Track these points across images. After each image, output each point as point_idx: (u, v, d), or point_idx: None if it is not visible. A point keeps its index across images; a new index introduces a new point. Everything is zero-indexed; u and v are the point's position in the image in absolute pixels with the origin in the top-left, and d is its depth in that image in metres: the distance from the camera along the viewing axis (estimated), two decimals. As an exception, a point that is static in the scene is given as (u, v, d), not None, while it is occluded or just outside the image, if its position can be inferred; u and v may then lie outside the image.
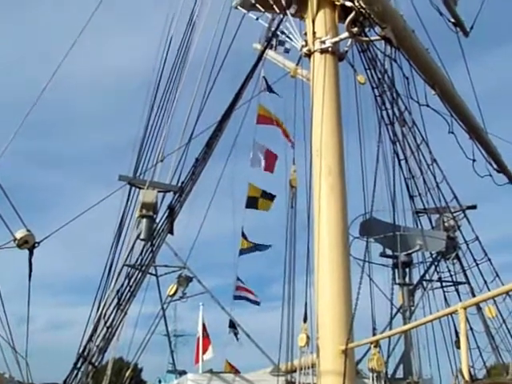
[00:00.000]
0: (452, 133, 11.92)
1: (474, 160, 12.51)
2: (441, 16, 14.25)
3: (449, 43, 14.55)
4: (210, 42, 11.25)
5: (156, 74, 11.44)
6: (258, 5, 11.11)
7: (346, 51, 10.63)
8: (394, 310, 11.04)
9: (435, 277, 13.16)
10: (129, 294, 9.43)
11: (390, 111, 10.86)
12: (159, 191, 10.33)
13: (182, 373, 14.03)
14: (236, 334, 13.92)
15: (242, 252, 14.37)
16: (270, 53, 11.33)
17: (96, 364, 8.85)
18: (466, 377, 6.12)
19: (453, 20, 14.64)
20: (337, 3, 10.54)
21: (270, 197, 13.44)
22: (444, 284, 13.07)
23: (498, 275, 12.84)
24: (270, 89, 12.02)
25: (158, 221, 10.05)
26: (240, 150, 13.08)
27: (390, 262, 12.61)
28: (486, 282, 12.73)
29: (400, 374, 11.92)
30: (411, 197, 12.09)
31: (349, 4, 10.32)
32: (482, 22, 15.01)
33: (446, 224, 12.98)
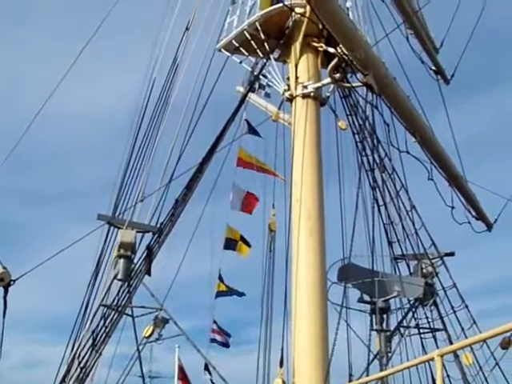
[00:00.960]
0: (431, 180, 12.01)
1: (452, 207, 12.59)
2: (422, 64, 14.49)
3: (430, 90, 14.77)
4: (192, 83, 11.30)
5: (138, 114, 11.45)
6: (241, 48, 11.21)
7: (328, 97, 10.74)
8: (371, 356, 10.98)
9: (413, 323, 13.10)
10: (104, 334, 9.33)
11: (370, 157, 10.91)
12: (138, 231, 10.27)
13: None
14: (211, 380, 13.79)
15: (219, 295, 14.28)
16: (252, 96, 11.39)
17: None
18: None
19: (434, 68, 14.90)
20: (320, 49, 10.68)
21: (247, 244, 13.41)
22: (421, 330, 12.99)
23: (475, 322, 12.81)
24: (252, 131, 12.04)
25: (135, 261, 9.99)
26: (220, 191, 13.07)
27: (367, 307, 12.55)
28: (463, 329, 12.68)
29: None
30: (390, 243, 12.06)
31: (332, 50, 10.46)
32: (463, 70, 15.25)
33: (424, 270, 12.96)
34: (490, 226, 14.39)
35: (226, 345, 15.50)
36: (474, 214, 13.76)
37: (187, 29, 11.89)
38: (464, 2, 13.38)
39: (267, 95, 11.31)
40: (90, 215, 10.93)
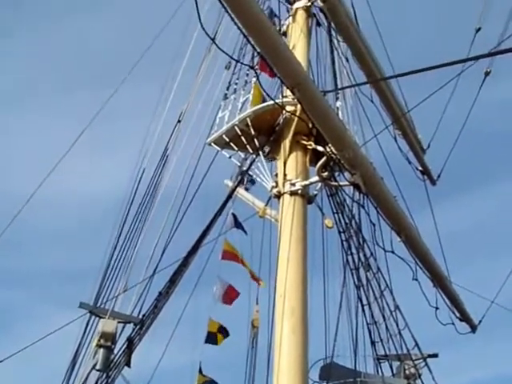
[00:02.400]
0: (416, 280, 12.05)
1: (436, 308, 12.59)
2: (409, 164, 14.72)
3: (416, 190, 14.94)
4: (181, 176, 11.40)
5: (126, 203, 11.50)
6: (232, 143, 11.36)
7: (316, 195, 10.82)
8: None
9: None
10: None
11: (355, 256, 10.95)
12: (119, 322, 10.18)
13: None
14: None
15: (199, 387, 13.99)
16: (240, 191, 11.50)
17: None
18: None
19: (421, 168, 15.11)
20: (309, 147, 10.84)
21: (225, 333, 13.25)
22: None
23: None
24: (238, 225, 12.08)
25: (115, 352, 9.86)
26: (204, 283, 13.00)
27: (349, 407, 12.35)
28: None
29: None
30: (373, 343, 11.98)
31: (321, 149, 10.62)
32: (450, 169, 15.47)
33: (406, 372, 12.84)
34: (474, 328, 14.34)
35: None
36: (458, 315, 13.73)
37: (179, 121, 12.09)
38: (451, 105, 13.64)
39: (253, 182, 11.42)
40: (72, 301, 10.85)
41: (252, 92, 11.43)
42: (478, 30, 12.60)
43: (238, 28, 8.60)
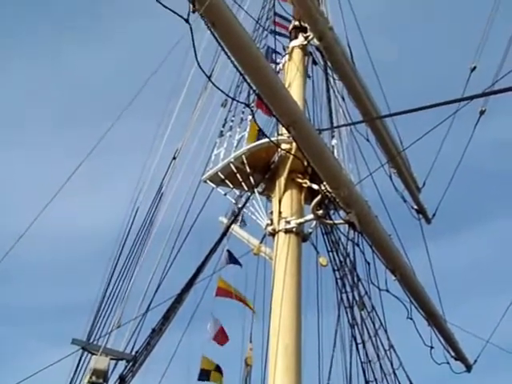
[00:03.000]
0: (411, 319, 11.99)
1: (431, 347, 12.51)
2: (404, 202, 14.73)
3: (411, 228, 14.94)
4: (176, 212, 11.42)
5: (120, 240, 11.49)
6: (227, 180, 11.38)
7: (310, 233, 10.82)
8: None
9: None
10: None
11: (350, 294, 10.91)
12: (112, 358, 10.11)
13: None
14: None
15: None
16: (235, 228, 11.51)
17: None
18: None
19: (416, 207, 15.11)
20: (304, 185, 10.88)
21: (221, 372, 13.16)
22: None
23: None
24: (233, 260, 12.05)
25: (107, 389, 9.79)
26: (198, 319, 12.94)
27: None
28: None
29: None
30: (367, 382, 11.89)
31: (316, 187, 10.65)
32: (445, 208, 15.48)
33: (401, 411, 12.74)
34: (469, 367, 14.23)
35: None
36: (453, 354, 13.63)
37: (174, 158, 12.13)
38: (446, 143, 13.68)
39: (244, 225, 11.43)
40: (65, 336, 10.81)
41: (248, 129, 11.48)
42: (473, 69, 12.65)
43: (235, 66, 8.67)
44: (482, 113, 12.48)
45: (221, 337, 12.48)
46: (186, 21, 7.81)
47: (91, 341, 10.61)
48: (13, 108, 35.68)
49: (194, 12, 7.93)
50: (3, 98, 35.39)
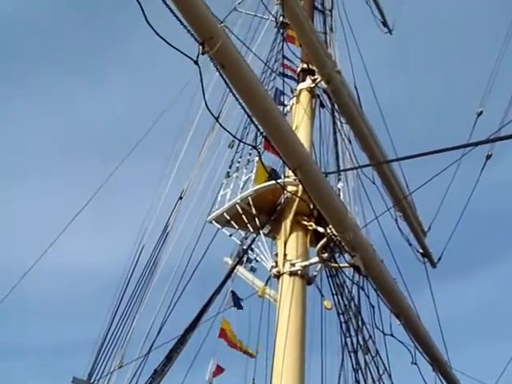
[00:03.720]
0: (415, 364, 11.88)
1: (436, 393, 12.38)
2: (410, 246, 14.69)
3: (416, 271, 14.87)
4: (181, 252, 11.41)
5: (124, 279, 11.46)
6: (232, 222, 11.37)
7: (315, 275, 10.77)
8: None
9: None
10: None
11: (354, 338, 10.83)
12: (113, 399, 10.04)
13: None
14: None
15: None
16: (240, 269, 11.46)
17: None
18: None
19: (421, 251, 15.07)
20: (309, 228, 10.87)
21: None
22: None
23: None
24: (237, 304, 11.98)
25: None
26: (201, 360, 12.83)
27: None
28: None
29: None
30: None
31: (321, 230, 10.65)
32: (451, 251, 15.42)
33: None
34: (475, 415, 14.05)
35: None
36: (458, 401, 13.49)
37: (180, 198, 12.15)
38: (453, 187, 13.66)
39: (253, 269, 11.39)
40: (65, 374, 10.70)
41: (254, 171, 11.50)
42: (480, 113, 12.70)
43: (242, 108, 8.72)
44: (488, 157, 12.48)
45: (216, 371, 12.37)
46: (195, 62, 7.88)
47: (92, 380, 10.53)
48: (20, 144, 35.85)
49: (203, 54, 8.01)
50: (11, 133, 35.58)
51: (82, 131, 36.44)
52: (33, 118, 36.97)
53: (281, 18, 14.28)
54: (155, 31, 7.57)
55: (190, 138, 12.72)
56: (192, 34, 7.97)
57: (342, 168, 12.52)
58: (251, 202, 11.13)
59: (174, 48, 7.73)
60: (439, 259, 15.31)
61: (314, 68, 13.15)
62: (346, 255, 10.66)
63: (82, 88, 38.30)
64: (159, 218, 12.00)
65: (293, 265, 10.42)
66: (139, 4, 7.39)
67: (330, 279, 11.07)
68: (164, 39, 7.66)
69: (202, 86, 8.09)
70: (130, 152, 11.81)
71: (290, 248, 10.65)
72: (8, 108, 36.01)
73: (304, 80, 13.27)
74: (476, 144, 9.67)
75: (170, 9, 7.78)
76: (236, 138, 10.75)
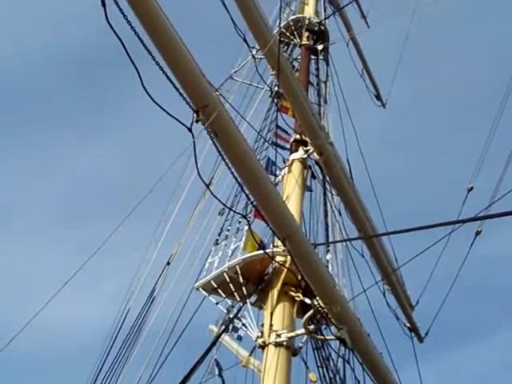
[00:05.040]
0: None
1: None
2: (397, 320, 14.61)
3: (403, 345, 14.75)
4: (166, 318, 11.30)
5: (107, 343, 11.32)
6: (219, 290, 11.30)
7: (301, 347, 10.65)
8: None
9: None
10: None
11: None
12: None
13: None
14: None
15: None
16: (225, 338, 11.33)
17: None
18: None
19: (408, 325, 14.98)
20: (297, 299, 10.80)
21: None
22: None
23: None
24: (220, 374, 11.80)
25: None
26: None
27: None
28: None
29: None
30: None
31: (308, 301, 10.59)
32: (439, 325, 15.32)
33: None
34: None
35: None
36: None
37: (168, 263, 12.10)
38: (442, 260, 13.66)
39: (239, 338, 11.26)
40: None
41: (243, 239, 11.49)
42: (471, 189, 12.78)
43: (234, 177, 8.77)
44: (477, 233, 12.50)
45: None
46: (189, 130, 7.96)
47: None
48: (12, 195, 35.82)
49: (197, 122, 8.09)
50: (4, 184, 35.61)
51: (72, 192, 36.46)
52: (30, 173, 37.04)
53: (276, 88, 14.48)
54: (151, 97, 7.66)
55: (181, 203, 12.74)
56: (187, 102, 8.06)
57: (331, 240, 12.53)
58: (239, 271, 11.09)
59: (169, 115, 7.82)
60: (426, 334, 15.20)
61: (307, 139, 13.27)
62: (333, 327, 10.58)
63: (78, 146, 38.49)
64: (146, 282, 11.93)
65: (278, 335, 10.31)
66: (136, 70, 7.51)
67: (315, 351, 10.97)
68: (159, 105, 7.75)
69: (195, 154, 8.14)
70: (123, 220, 11.80)
71: (276, 318, 10.55)
72: (7, 162, 36.10)
73: (296, 150, 13.35)
74: (465, 221, 9.73)
75: (166, 76, 7.91)
76: (226, 206, 10.78)
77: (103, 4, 7.12)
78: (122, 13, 7.37)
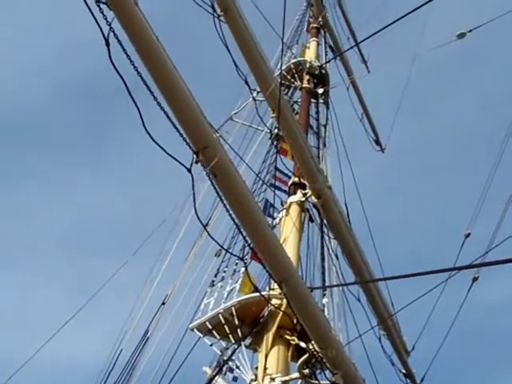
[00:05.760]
0: None
1: None
2: (392, 366, 14.49)
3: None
4: (160, 359, 11.20)
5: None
6: (214, 331, 11.23)
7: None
8: None
9: None
10: None
11: None
12: None
13: None
14: None
15: None
16: (219, 380, 11.23)
17: None
18: None
19: (404, 371, 14.86)
20: (292, 342, 10.72)
21: None
22: None
23: None
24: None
25: None
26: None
27: None
28: None
29: None
30: None
31: (303, 345, 10.50)
32: (435, 371, 15.19)
33: None
34: None
35: None
36: None
37: (163, 303, 12.03)
38: (438, 306, 13.60)
39: (235, 379, 11.17)
40: None
41: (240, 281, 11.44)
42: (468, 235, 12.78)
43: (232, 219, 8.77)
44: (474, 279, 12.49)
45: None
46: (189, 170, 7.98)
47: None
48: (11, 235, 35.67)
49: (196, 163, 8.11)
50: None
51: (76, 226, 36.37)
52: (29, 207, 36.99)
53: (275, 131, 14.54)
54: (151, 137, 7.68)
55: (178, 243, 12.71)
56: (187, 143, 8.09)
57: (327, 283, 12.48)
58: (234, 313, 11.02)
59: (169, 155, 7.83)
60: (422, 380, 15.05)
61: (306, 182, 13.30)
62: (328, 372, 10.49)
63: (78, 181, 38.52)
64: (140, 323, 11.85)
65: (273, 379, 10.21)
66: (138, 109, 7.55)
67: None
68: (159, 145, 7.77)
69: (194, 195, 8.16)
70: (123, 263, 11.84)
71: (270, 361, 10.46)
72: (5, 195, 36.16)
73: (295, 193, 13.37)
74: (461, 268, 9.72)
75: (167, 116, 7.95)
76: (223, 247, 10.77)
77: (107, 44, 7.20)
78: (126, 53, 7.44)
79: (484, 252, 10.42)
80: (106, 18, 7.17)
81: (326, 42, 19.84)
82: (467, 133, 36.55)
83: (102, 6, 7.15)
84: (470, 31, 12.50)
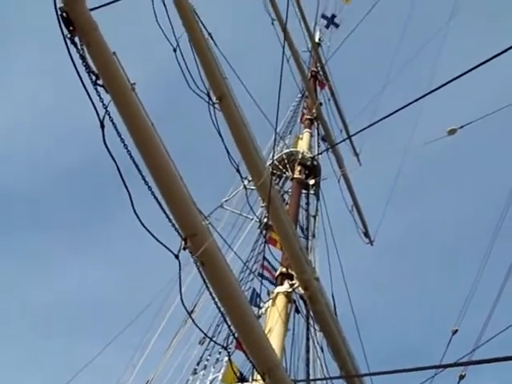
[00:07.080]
0: None
1: None
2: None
3: None
4: None
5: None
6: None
7: None
8: None
9: None
10: None
11: None
12: None
13: None
14: None
15: None
16: None
17: None
18: None
19: None
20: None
21: None
22: None
23: None
24: None
25: None
26: None
27: None
28: None
29: None
30: None
31: None
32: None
33: None
34: None
35: None
36: None
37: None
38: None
39: None
40: None
41: (223, 370, 11.27)
42: (455, 331, 12.68)
43: (217, 307, 8.69)
44: (461, 377, 12.32)
45: None
46: (176, 257, 7.95)
47: None
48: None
49: (184, 249, 8.10)
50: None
51: (58, 306, 36.00)
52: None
53: (265, 220, 14.57)
54: (141, 222, 7.70)
55: (162, 329, 12.59)
56: (176, 229, 8.09)
57: (312, 376, 12.32)
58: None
59: (158, 241, 7.82)
60: None
61: (293, 272, 13.24)
62: None
63: (64, 261, 38.37)
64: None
65: None
66: (128, 193, 7.58)
67: None
68: (148, 230, 7.78)
69: (180, 282, 8.12)
70: (106, 345, 11.70)
71: None
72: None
73: (282, 284, 13.29)
74: (447, 366, 9.62)
75: (158, 201, 7.96)
76: (207, 336, 10.65)
77: (102, 126, 7.28)
78: (120, 136, 7.52)
79: (471, 349, 10.34)
80: (102, 101, 7.27)
81: (318, 134, 20.05)
82: (456, 228, 36.74)
83: (98, 88, 7.27)
84: (461, 127, 12.64)
